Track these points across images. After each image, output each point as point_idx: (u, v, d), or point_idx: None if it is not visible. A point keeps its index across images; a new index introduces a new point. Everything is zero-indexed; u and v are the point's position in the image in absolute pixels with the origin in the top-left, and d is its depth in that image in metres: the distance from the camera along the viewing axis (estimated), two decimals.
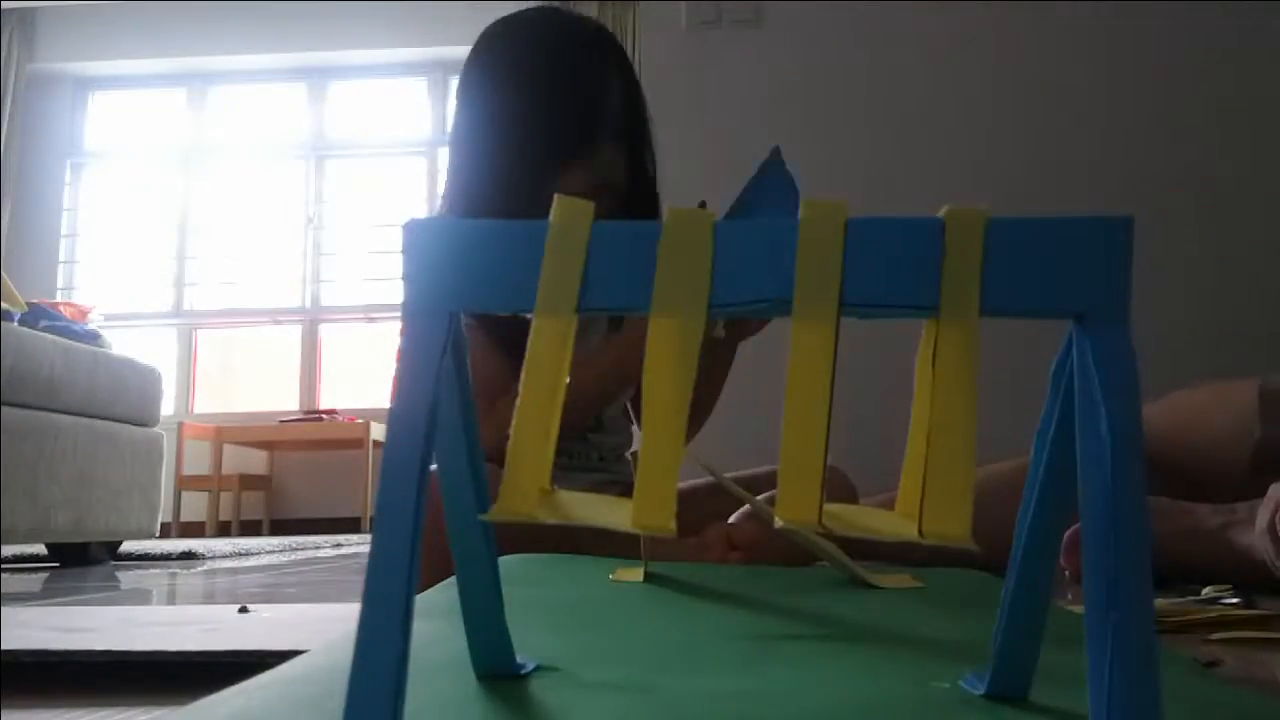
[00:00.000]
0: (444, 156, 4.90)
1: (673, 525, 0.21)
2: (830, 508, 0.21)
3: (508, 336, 0.96)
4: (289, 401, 4.86)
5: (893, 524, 0.21)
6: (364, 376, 4.83)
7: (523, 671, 0.35)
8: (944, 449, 0.21)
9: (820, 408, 0.21)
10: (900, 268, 0.22)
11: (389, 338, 4.87)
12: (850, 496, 1.11)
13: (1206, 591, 0.88)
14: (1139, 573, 0.19)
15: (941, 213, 0.23)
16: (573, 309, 0.22)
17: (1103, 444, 0.20)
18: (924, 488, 0.20)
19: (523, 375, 0.23)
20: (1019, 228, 0.23)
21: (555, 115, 1.01)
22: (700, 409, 1.07)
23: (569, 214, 0.23)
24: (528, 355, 0.23)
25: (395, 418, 0.22)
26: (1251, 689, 0.35)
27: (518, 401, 0.23)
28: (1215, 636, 0.67)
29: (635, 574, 0.64)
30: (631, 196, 1.06)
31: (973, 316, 0.22)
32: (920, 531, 0.20)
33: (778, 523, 0.20)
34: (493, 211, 1.00)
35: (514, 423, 0.22)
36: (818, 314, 0.21)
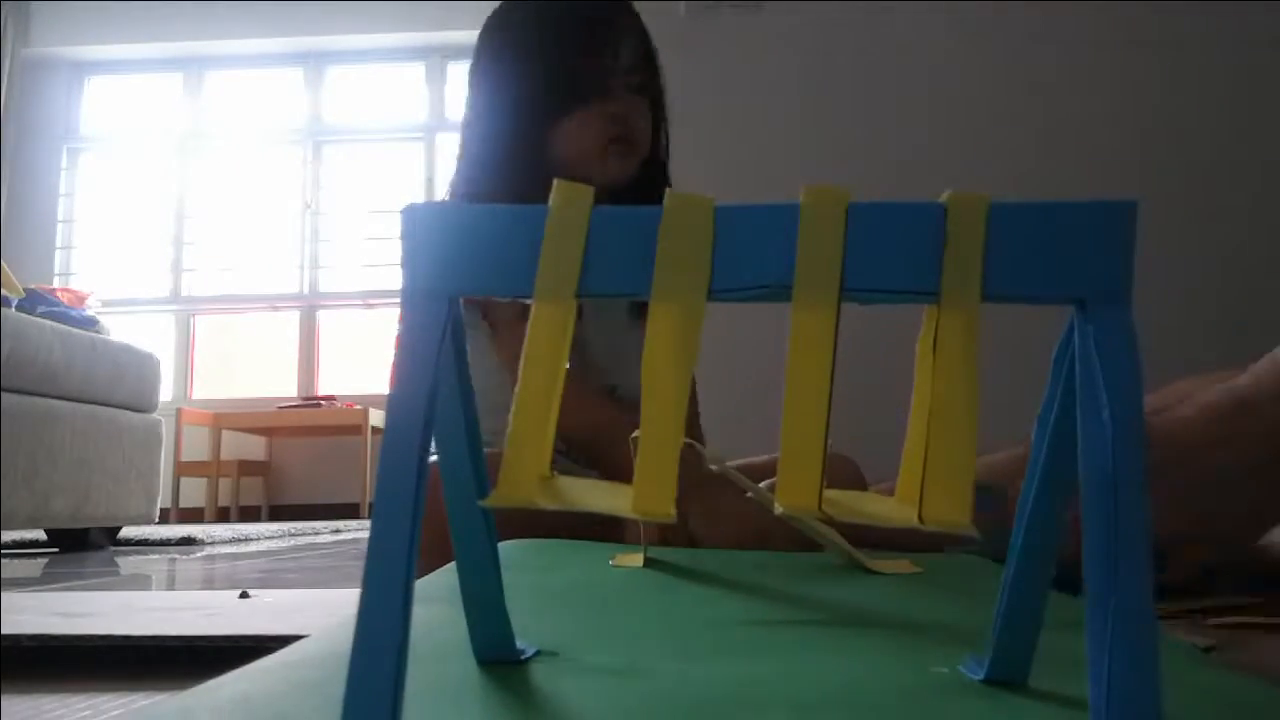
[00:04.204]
0: (441, 142, 4.89)
1: (673, 511, 0.21)
2: (830, 494, 0.21)
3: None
4: (287, 387, 4.86)
5: (893, 510, 0.21)
6: (362, 363, 4.83)
7: (523, 657, 0.35)
8: (945, 435, 0.21)
9: (820, 394, 0.21)
10: (901, 253, 0.22)
11: (387, 324, 4.87)
12: (859, 487, 1.11)
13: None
14: (1139, 558, 0.19)
15: (943, 198, 0.22)
16: (572, 294, 0.22)
17: (1104, 430, 0.20)
18: (924, 474, 0.20)
19: (521, 360, 0.22)
20: (1021, 213, 0.23)
21: (566, 60, 0.99)
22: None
23: (569, 198, 0.23)
24: (527, 340, 0.22)
25: (395, 403, 0.22)
26: (1250, 674, 0.35)
27: (517, 387, 0.22)
28: (1213, 622, 0.67)
29: (635, 559, 0.64)
30: (647, 163, 1.04)
31: (973, 302, 0.21)
32: (920, 518, 0.20)
33: (778, 509, 0.20)
34: (509, 174, 0.97)
35: (513, 409, 0.22)
36: (818, 299, 0.21)
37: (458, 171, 1.05)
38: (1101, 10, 2.12)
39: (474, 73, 1.05)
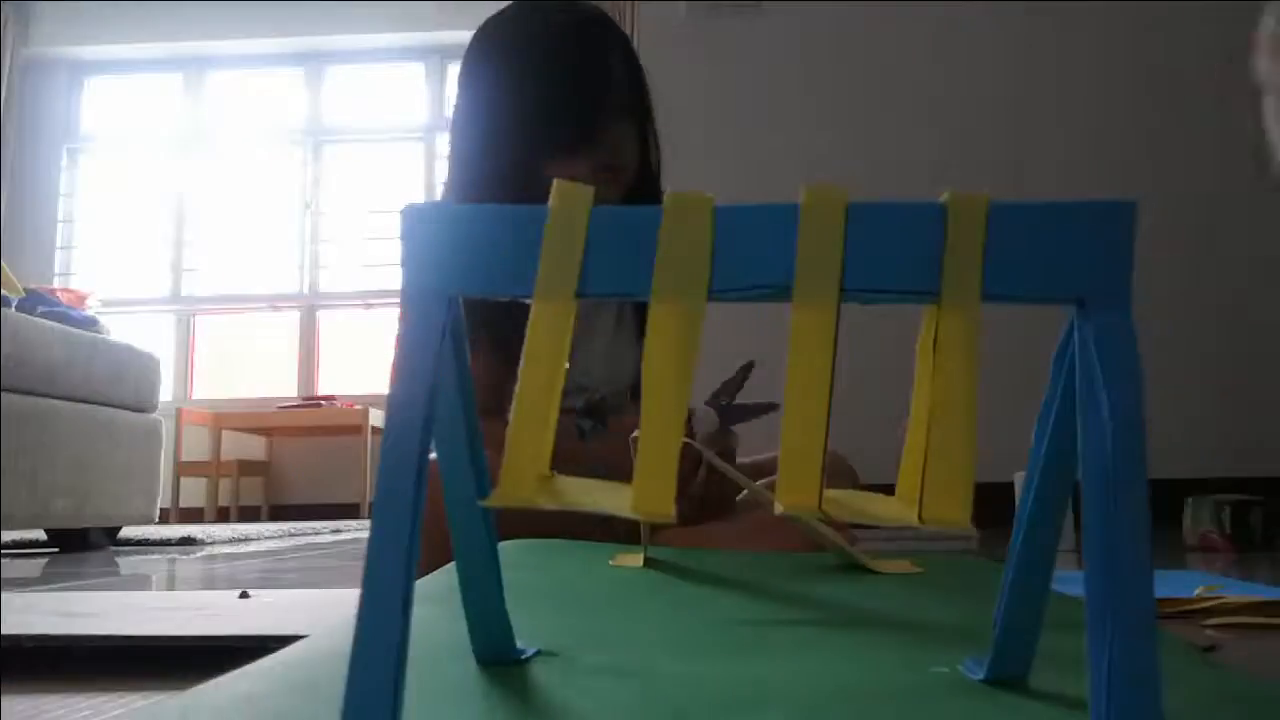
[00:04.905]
0: (442, 142, 4.88)
1: (672, 511, 0.21)
2: (830, 493, 0.21)
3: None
4: (287, 387, 4.85)
5: (893, 510, 0.21)
6: (362, 363, 4.83)
7: (523, 657, 0.35)
8: (944, 435, 0.20)
9: (820, 393, 0.21)
10: (901, 253, 0.22)
11: (387, 324, 4.86)
12: (851, 480, 1.10)
13: (1198, 590, 0.89)
14: (1139, 556, 0.19)
15: (943, 198, 0.22)
16: (572, 294, 0.22)
17: (1104, 428, 0.20)
18: (924, 473, 0.20)
19: (522, 361, 0.22)
20: (1020, 213, 0.23)
21: (554, 102, 1.00)
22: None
23: (569, 198, 0.23)
24: (527, 341, 0.22)
25: (394, 403, 0.22)
26: (1249, 673, 0.35)
27: (517, 387, 0.22)
28: (1212, 622, 0.67)
29: (634, 559, 0.64)
30: (636, 178, 1.05)
31: (974, 302, 0.21)
32: (920, 517, 0.20)
33: (778, 508, 0.20)
34: (492, 200, 0.97)
35: (513, 408, 0.22)
36: (818, 299, 0.21)
37: (452, 179, 1.06)
38: (1106, 10, 2.12)
39: (462, 85, 1.05)
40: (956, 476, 0.20)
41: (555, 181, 0.23)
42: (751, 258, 0.22)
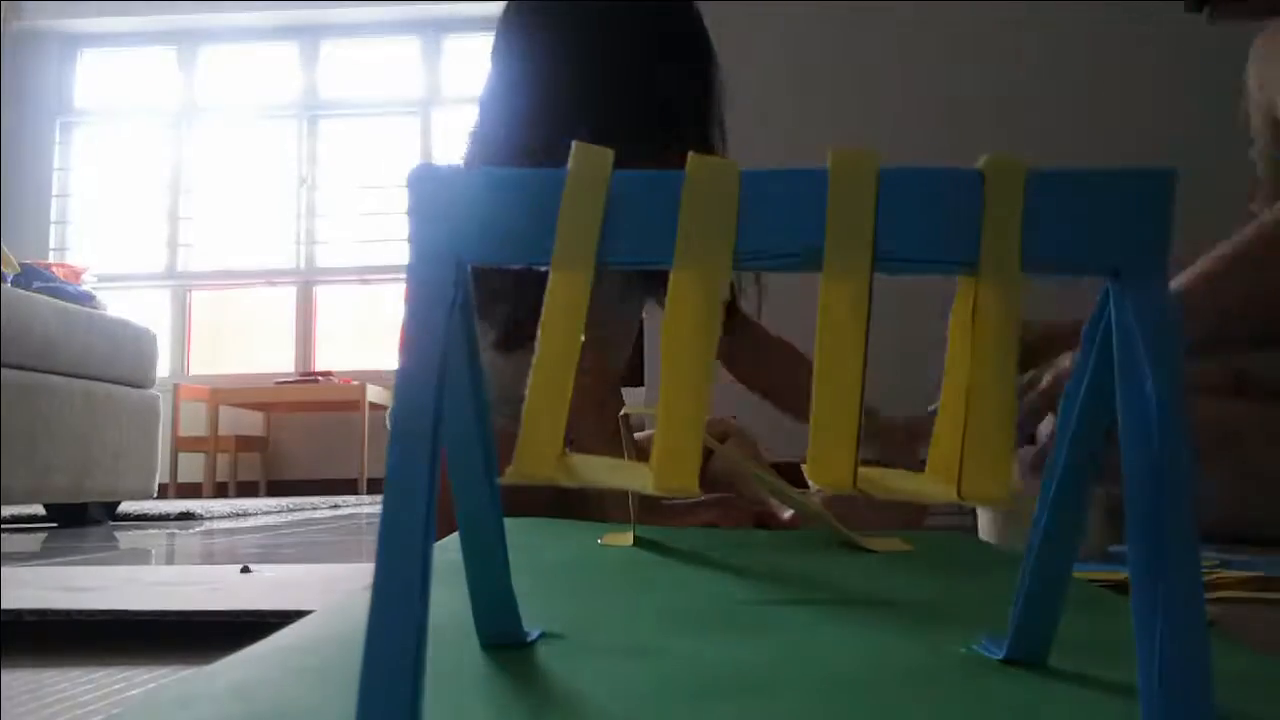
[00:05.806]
0: (437, 117, 4.84)
1: (696, 486, 0.20)
2: (864, 471, 0.20)
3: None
4: (284, 363, 4.85)
5: (930, 486, 0.21)
6: (359, 338, 4.82)
7: (529, 639, 0.34)
8: (984, 409, 0.20)
9: (853, 366, 0.20)
10: (937, 220, 0.21)
11: (383, 300, 4.85)
12: (752, 449, 1.05)
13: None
14: (1186, 541, 0.18)
15: (980, 163, 0.21)
16: (591, 261, 0.21)
17: (1147, 404, 0.19)
18: (963, 449, 0.20)
19: (539, 332, 0.22)
20: (1059, 180, 0.22)
21: (635, 109, 0.80)
22: None
23: (588, 161, 0.22)
24: (544, 311, 0.21)
25: (405, 376, 0.21)
26: (1247, 648, 0.35)
27: (534, 359, 0.22)
28: (1212, 596, 0.67)
29: (624, 538, 0.63)
30: None
31: (1014, 272, 0.21)
32: (959, 493, 0.20)
33: (813, 487, 0.19)
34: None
35: (530, 382, 0.22)
36: (850, 268, 0.20)
37: (475, 157, 0.85)
38: None
39: (512, 46, 0.85)
40: (997, 452, 0.19)
41: (575, 144, 0.22)
42: (779, 224, 0.21)
